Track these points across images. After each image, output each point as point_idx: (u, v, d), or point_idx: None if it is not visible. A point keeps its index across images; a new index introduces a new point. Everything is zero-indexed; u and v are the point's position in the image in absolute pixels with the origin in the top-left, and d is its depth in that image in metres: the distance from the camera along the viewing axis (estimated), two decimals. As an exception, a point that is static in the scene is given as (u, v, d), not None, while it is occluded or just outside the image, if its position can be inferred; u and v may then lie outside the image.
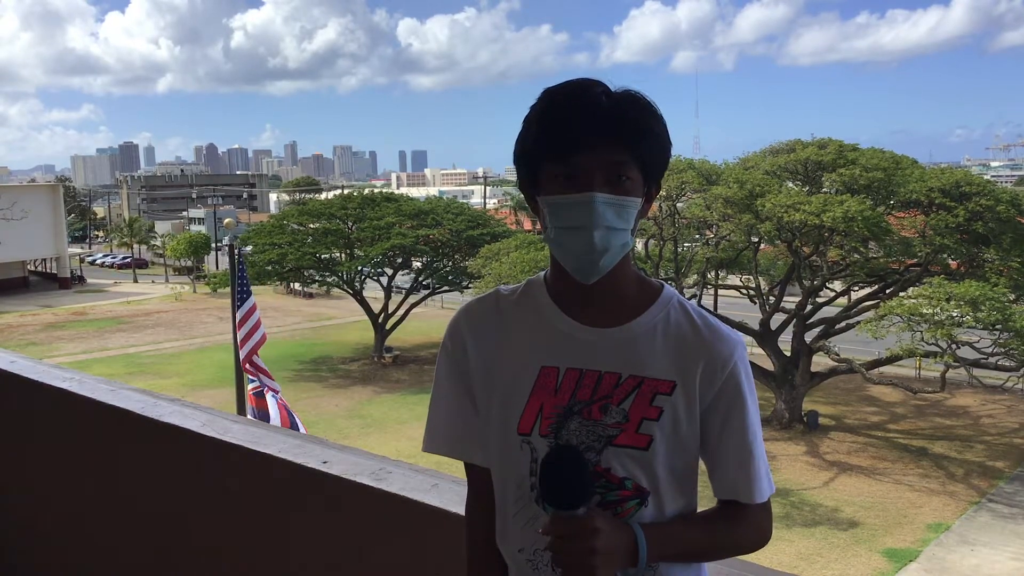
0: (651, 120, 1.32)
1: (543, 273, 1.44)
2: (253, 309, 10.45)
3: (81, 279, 58.02)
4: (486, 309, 1.45)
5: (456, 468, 1.63)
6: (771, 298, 25.30)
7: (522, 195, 1.42)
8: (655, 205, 23.91)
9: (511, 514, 1.40)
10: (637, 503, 1.34)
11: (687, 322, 1.37)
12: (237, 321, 10.41)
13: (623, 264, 1.35)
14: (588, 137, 1.28)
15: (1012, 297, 20.97)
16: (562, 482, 1.26)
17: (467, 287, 31.25)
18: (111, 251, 74.47)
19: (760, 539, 1.40)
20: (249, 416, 9.47)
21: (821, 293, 25.00)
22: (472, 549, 1.52)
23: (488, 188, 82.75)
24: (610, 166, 1.28)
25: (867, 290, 25.37)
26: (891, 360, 21.92)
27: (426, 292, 34.26)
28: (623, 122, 1.29)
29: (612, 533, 1.26)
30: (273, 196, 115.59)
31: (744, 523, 1.39)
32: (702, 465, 1.41)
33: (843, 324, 23.89)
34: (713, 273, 27.67)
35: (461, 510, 1.84)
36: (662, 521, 1.35)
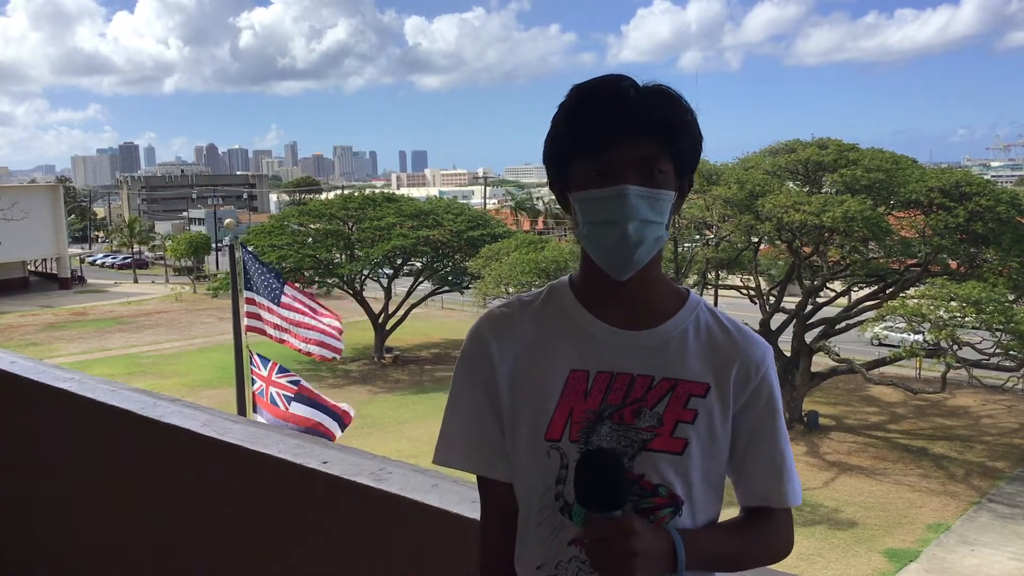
0: (682, 112, 1.29)
1: (567, 277, 1.41)
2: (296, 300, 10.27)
3: (81, 279, 57.94)
4: (510, 315, 1.39)
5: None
6: (771, 298, 25.30)
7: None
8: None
9: (533, 525, 1.34)
10: (671, 511, 1.29)
11: (717, 326, 1.36)
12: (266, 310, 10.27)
13: (654, 266, 1.32)
14: (619, 132, 1.25)
15: (1012, 297, 20.99)
16: (601, 482, 1.21)
17: (467, 287, 31.24)
18: (111, 251, 74.45)
19: (786, 547, 1.39)
20: (267, 420, 9.40)
21: (821, 293, 25.00)
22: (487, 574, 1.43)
23: (488, 188, 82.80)
24: (642, 160, 1.26)
25: (867, 290, 25.38)
26: (892, 360, 21.94)
27: (426, 293, 34.27)
28: (653, 115, 1.26)
29: (650, 536, 1.21)
30: (273, 196, 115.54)
31: (772, 530, 1.37)
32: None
33: (843, 324, 23.90)
34: (713, 273, 27.65)
35: (462, 511, 1.85)
36: (696, 528, 1.32)
